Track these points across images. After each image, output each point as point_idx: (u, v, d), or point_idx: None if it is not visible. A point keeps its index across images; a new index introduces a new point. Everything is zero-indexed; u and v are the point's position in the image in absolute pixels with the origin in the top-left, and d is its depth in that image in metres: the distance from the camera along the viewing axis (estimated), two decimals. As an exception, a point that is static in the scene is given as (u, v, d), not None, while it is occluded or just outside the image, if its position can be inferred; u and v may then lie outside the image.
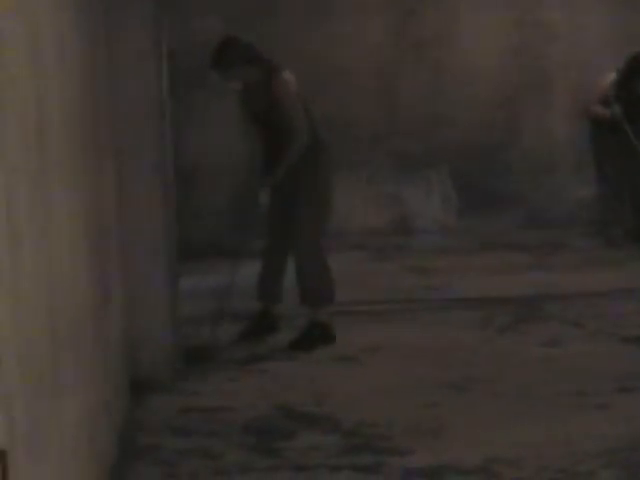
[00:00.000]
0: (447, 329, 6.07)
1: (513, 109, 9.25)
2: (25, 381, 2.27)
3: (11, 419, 2.07)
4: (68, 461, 2.91)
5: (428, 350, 5.63)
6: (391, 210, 9.11)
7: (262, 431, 4.47)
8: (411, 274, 7.64)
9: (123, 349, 4.71)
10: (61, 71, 3.07)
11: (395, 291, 7.01)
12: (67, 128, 3.13)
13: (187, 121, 8.61)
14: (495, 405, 4.69)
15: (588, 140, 8.54)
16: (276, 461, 4.11)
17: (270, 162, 5.74)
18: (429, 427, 4.41)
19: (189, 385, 5.13)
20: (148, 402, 4.88)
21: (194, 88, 8.63)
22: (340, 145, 8.69)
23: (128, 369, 4.87)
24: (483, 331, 6.01)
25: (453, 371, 5.21)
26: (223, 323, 5.86)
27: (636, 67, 8.14)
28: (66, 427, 2.91)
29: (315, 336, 5.76)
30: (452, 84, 9.11)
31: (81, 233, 3.40)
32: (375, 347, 5.70)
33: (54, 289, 2.75)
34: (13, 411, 2.10)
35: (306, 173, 5.71)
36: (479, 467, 3.95)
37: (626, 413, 4.50)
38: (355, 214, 8.96)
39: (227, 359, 5.58)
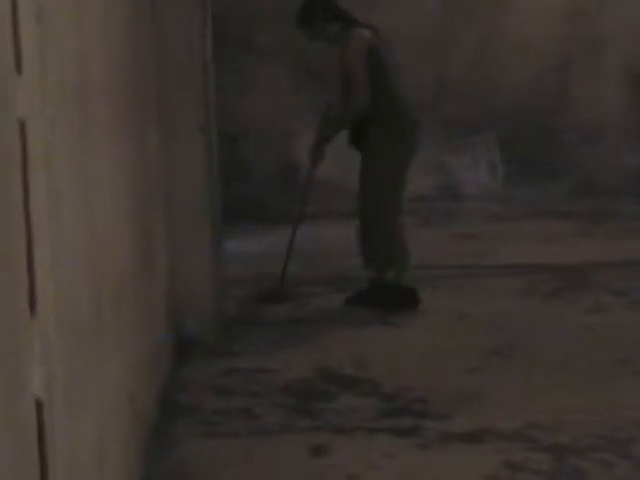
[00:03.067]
0: (491, 295, 6.05)
1: (564, 76, 9.17)
2: (65, 336, 2.30)
3: (50, 372, 2.10)
4: (108, 418, 2.95)
5: (471, 316, 5.63)
6: (438, 177, 9.08)
7: (302, 393, 4.49)
8: (457, 241, 7.62)
9: (167, 309, 4.76)
10: (105, 28, 3.09)
11: (440, 257, 7.00)
12: (110, 85, 3.15)
13: (235, 86, 8.63)
14: (536, 372, 4.68)
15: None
16: (315, 422, 4.14)
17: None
18: (469, 392, 4.41)
19: (231, 346, 5.17)
20: (190, 363, 4.92)
21: (242, 53, 8.64)
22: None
23: (172, 329, 4.91)
24: (527, 298, 6.00)
25: (496, 337, 5.19)
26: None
27: None
28: (107, 384, 2.95)
29: (371, 296, 5.75)
30: (502, 50, 9.04)
31: (123, 192, 3.43)
32: (418, 312, 5.70)
33: (94, 246, 2.78)
34: (52, 364, 2.13)
35: (375, 138, 5.63)
36: (517, 432, 3.95)
37: (667, 381, 4.48)
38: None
39: (269, 321, 5.62)
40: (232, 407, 4.34)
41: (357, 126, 5.65)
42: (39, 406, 1.98)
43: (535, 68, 9.06)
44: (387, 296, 5.75)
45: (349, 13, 5.72)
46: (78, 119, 2.59)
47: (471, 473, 3.63)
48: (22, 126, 1.92)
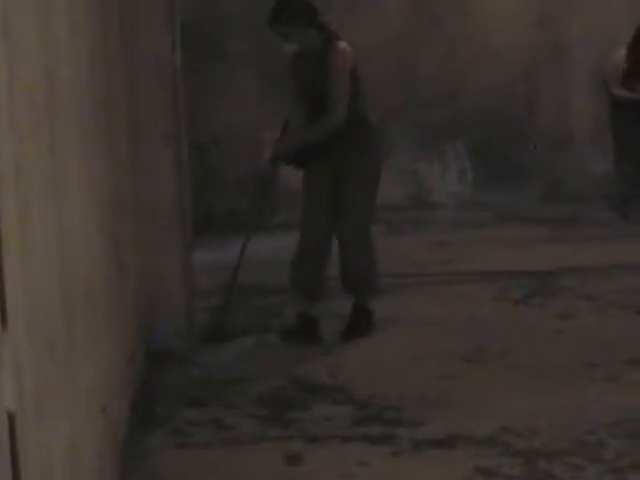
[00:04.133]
0: (462, 302, 6.08)
1: (531, 81, 9.23)
2: (35, 347, 2.30)
3: (20, 384, 2.10)
4: (81, 429, 2.95)
5: (443, 323, 5.65)
6: (407, 184, 9.11)
7: (275, 402, 4.50)
8: (428, 248, 7.65)
9: (138, 319, 4.75)
10: (72, 41, 3.09)
11: (411, 264, 7.03)
12: (78, 97, 3.15)
13: (207, 93, 8.63)
14: (507, 377, 4.71)
15: (606, 113, 8.50)
16: (288, 431, 4.14)
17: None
18: (441, 398, 4.44)
19: (203, 356, 5.16)
20: (162, 373, 4.92)
21: (212, 62, 8.65)
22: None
23: (143, 339, 4.91)
24: (498, 304, 6.03)
25: (467, 343, 5.22)
26: (233, 298, 5.66)
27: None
28: (79, 395, 2.94)
29: (363, 326, 5.45)
30: (469, 56, 9.09)
31: (94, 203, 3.43)
32: (390, 319, 5.71)
33: (65, 257, 2.78)
34: (22, 376, 2.13)
35: (355, 154, 5.29)
36: (490, 437, 3.97)
37: (636, 384, 4.52)
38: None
39: (241, 332, 5.61)
40: (205, 417, 4.34)
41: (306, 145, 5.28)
42: (11, 419, 1.98)
43: (503, 74, 9.11)
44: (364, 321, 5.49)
45: (325, 23, 5.31)
46: (47, 133, 2.59)
47: (444, 479, 3.65)
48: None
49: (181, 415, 4.37)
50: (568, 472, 3.64)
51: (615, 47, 8.26)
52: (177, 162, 5.10)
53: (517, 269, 6.73)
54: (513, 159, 9.12)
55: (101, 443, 3.32)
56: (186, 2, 5.87)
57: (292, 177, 5.89)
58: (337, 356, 5.13)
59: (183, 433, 4.18)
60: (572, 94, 9.25)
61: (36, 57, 2.49)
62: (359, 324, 5.47)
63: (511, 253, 7.30)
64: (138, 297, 4.82)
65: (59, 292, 2.68)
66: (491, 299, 6.12)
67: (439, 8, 9.05)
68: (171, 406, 4.48)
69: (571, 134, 9.29)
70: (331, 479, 3.67)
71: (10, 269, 2.03)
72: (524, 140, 9.19)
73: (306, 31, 5.20)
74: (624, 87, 8.17)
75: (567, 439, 3.92)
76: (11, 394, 2.00)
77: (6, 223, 2.01)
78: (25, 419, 2.10)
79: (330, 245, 5.42)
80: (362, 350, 5.26)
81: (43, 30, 2.60)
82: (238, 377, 4.85)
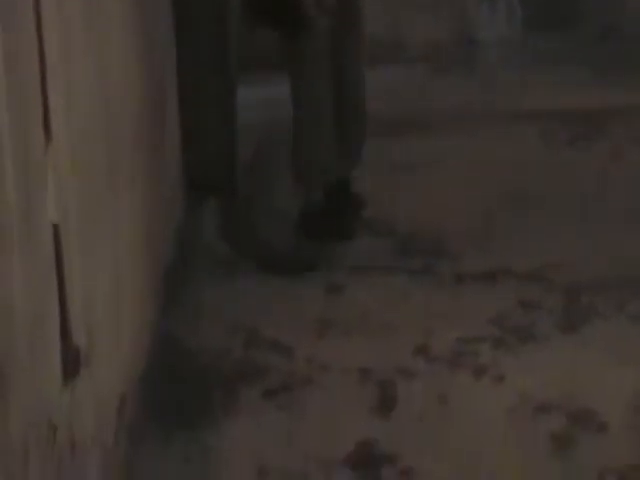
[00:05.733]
0: (507, 142, 6.00)
1: None
2: (78, 169, 2.28)
3: (63, 199, 2.09)
4: (123, 255, 2.96)
5: (487, 163, 5.58)
6: (453, 22, 8.92)
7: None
8: (472, 87, 7.52)
9: (180, 150, 4.74)
10: None
11: (456, 104, 6.93)
12: None
13: None
14: (552, 216, 4.67)
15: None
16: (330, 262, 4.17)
17: None
18: (484, 234, 4.42)
19: (246, 188, 5.14)
20: (205, 204, 4.91)
21: None
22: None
23: (185, 175, 4.88)
24: (544, 144, 5.95)
25: (510, 183, 5.16)
26: None
27: None
28: (121, 222, 2.95)
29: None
30: None
31: (133, 34, 3.37)
32: (434, 159, 5.66)
33: (107, 86, 2.75)
34: (66, 192, 2.12)
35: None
36: (532, 272, 3.97)
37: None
38: (416, 26, 8.79)
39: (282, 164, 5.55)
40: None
41: None
42: (56, 230, 1.98)
43: None
44: None
45: None
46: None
47: (485, 311, 3.67)
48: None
49: (222, 246, 4.39)
50: (611, 305, 3.64)
51: None
52: None
53: (565, 109, 6.62)
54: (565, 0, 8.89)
55: (144, 274, 3.34)
56: None
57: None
58: (380, 191, 5.05)
59: (228, 262, 4.21)
60: None
61: None
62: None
63: (559, 94, 7.15)
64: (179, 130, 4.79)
65: (100, 119, 2.65)
66: (536, 139, 6.03)
67: None
68: (215, 236, 4.49)
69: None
70: (372, 308, 3.70)
71: (53, 85, 2.01)
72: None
73: None
74: None
75: (612, 275, 3.91)
76: (54, 205, 1.99)
77: (49, 40, 1.97)
78: (69, 233, 2.10)
79: None
80: (405, 186, 5.21)
81: None
82: (279, 205, 4.82)
